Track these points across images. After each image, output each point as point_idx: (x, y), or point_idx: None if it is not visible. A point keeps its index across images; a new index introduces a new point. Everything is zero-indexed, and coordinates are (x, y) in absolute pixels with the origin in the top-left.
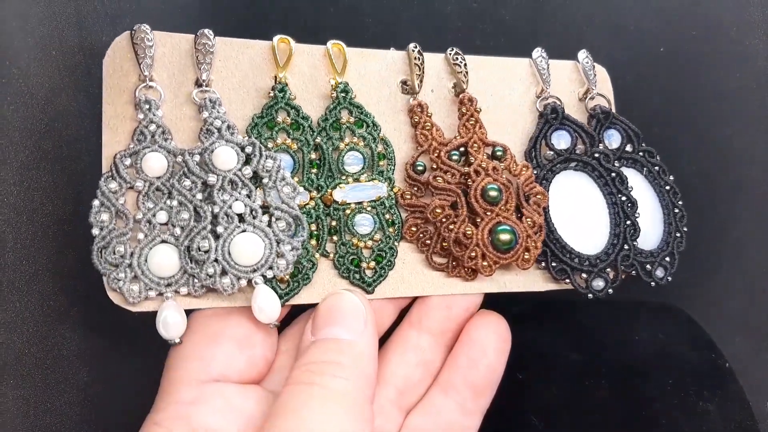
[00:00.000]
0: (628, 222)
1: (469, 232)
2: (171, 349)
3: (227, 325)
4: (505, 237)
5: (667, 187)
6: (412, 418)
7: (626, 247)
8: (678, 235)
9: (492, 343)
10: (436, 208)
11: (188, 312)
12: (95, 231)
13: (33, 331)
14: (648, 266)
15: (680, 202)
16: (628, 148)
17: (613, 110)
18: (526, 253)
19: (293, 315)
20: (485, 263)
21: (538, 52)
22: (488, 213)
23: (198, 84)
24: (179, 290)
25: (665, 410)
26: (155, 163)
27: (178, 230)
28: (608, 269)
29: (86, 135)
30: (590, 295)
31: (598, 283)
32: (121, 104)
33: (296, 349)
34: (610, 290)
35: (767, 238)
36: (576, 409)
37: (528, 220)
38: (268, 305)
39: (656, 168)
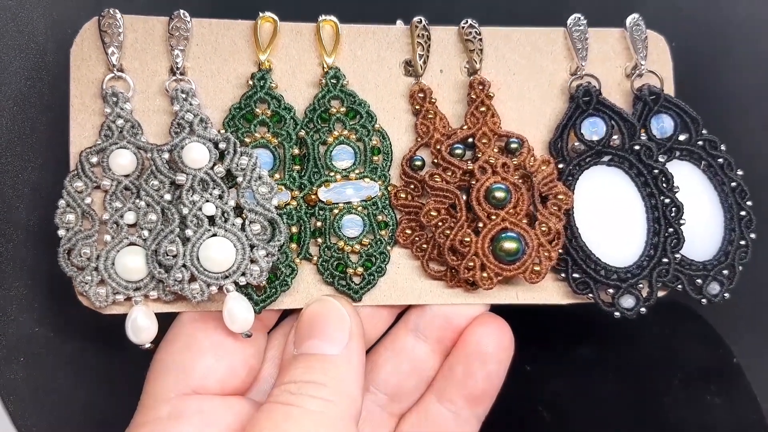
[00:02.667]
0: (671, 230)
1: (467, 240)
2: (151, 361)
3: (205, 333)
4: (509, 246)
5: (733, 184)
6: (405, 424)
7: (665, 260)
8: (742, 243)
9: (492, 352)
10: (431, 210)
11: (161, 315)
12: (61, 232)
13: (43, 310)
14: (698, 280)
15: (749, 203)
16: (683, 137)
17: (671, 89)
18: (535, 266)
19: (284, 315)
20: (485, 275)
21: (574, 20)
22: (492, 217)
23: (172, 72)
24: (149, 294)
25: (673, 404)
26: (123, 161)
27: (145, 233)
28: (641, 285)
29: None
30: (617, 314)
31: (628, 301)
32: (89, 97)
33: (281, 357)
34: (643, 310)
35: None
36: (584, 401)
37: (542, 226)
38: (239, 315)
39: (719, 161)
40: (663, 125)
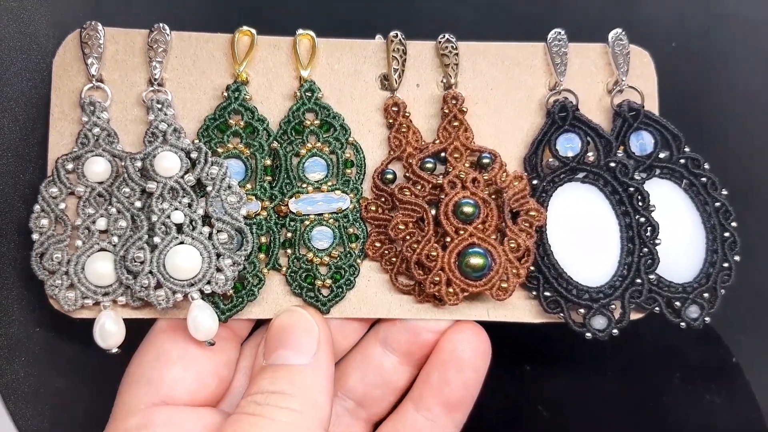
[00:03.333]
0: (645, 250)
1: (433, 254)
2: (124, 373)
3: (175, 343)
4: (475, 261)
5: (717, 204)
6: (382, 430)
7: (638, 281)
8: (725, 265)
9: (467, 358)
10: (399, 224)
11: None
12: (35, 236)
13: (43, 310)
14: (677, 303)
15: (733, 224)
16: (663, 154)
17: (655, 105)
18: (502, 282)
19: (258, 325)
20: (450, 290)
21: (554, 35)
22: (460, 232)
23: (150, 83)
24: (117, 300)
25: (672, 403)
26: (98, 168)
27: (115, 239)
28: (613, 305)
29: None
30: (588, 335)
31: (599, 322)
32: (68, 106)
33: (252, 368)
34: (615, 332)
35: None
36: (584, 401)
37: (511, 242)
38: (203, 323)
39: (702, 180)
40: (643, 142)
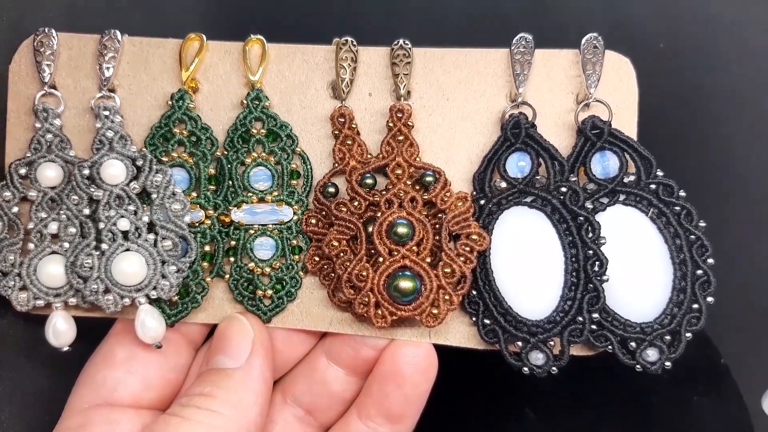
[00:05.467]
0: (590, 285)
1: (363, 274)
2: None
3: (122, 346)
4: (404, 285)
5: (692, 238)
6: None
7: (580, 318)
8: (695, 306)
9: (407, 375)
10: (332, 241)
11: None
12: None
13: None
14: (632, 344)
15: (709, 261)
16: (629, 179)
17: (634, 119)
18: (433, 308)
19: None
20: (379, 312)
21: (518, 40)
22: (393, 254)
23: (100, 89)
24: (68, 301)
25: (661, 404)
26: (50, 173)
27: (66, 244)
28: (552, 342)
29: None
30: (525, 369)
31: (536, 357)
32: (24, 112)
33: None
34: (554, 369)
35: (763, 237)
36: (571, 401)
37: (446, 267)
38: (150, 326)
39: (676, 209)
40: (607, 164)
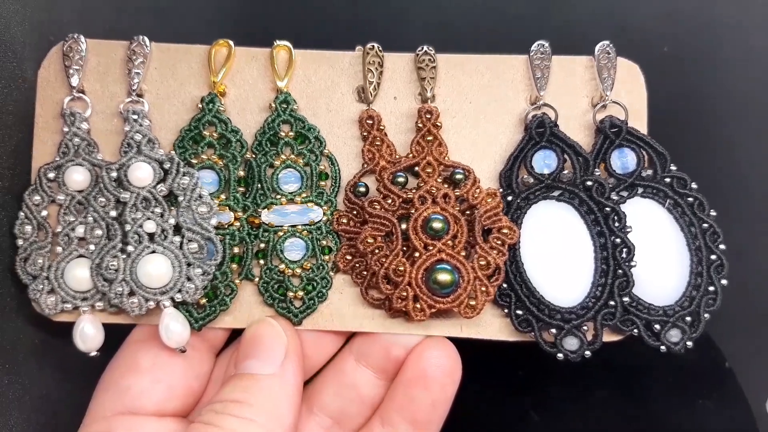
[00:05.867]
0: (620, 271)
1: (401, 269)
2: (99, 380)
3: (147, 354)
4: (443, 278)
5: (704, 226)
6: None
7: (612, 302)
8: (711, 289)
9: (435, 377)
10: (368, 237)
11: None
12: (19, 242)
13: (28, 317)
14: (656, 326)
15: (721, 247)
16: (647, 173)
17: (644, 120)
18: (470, 300)
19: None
20: (417, 306)
21: (536, 47)
22: (429, 248)
23: (129, 94)
24: (95, 305)
25: (665, 407)
26: (77, 177)
27: (92, 246)
28: (585, 327)
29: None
30: (560, 356)
31: (571, 343)
32: (52, 117)
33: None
34: (587, 353)
35: (767, 238)
36: (575, 405)
37: (481, 260)
38: (174, 330)
39: (689, 200)
40: (625, 160)
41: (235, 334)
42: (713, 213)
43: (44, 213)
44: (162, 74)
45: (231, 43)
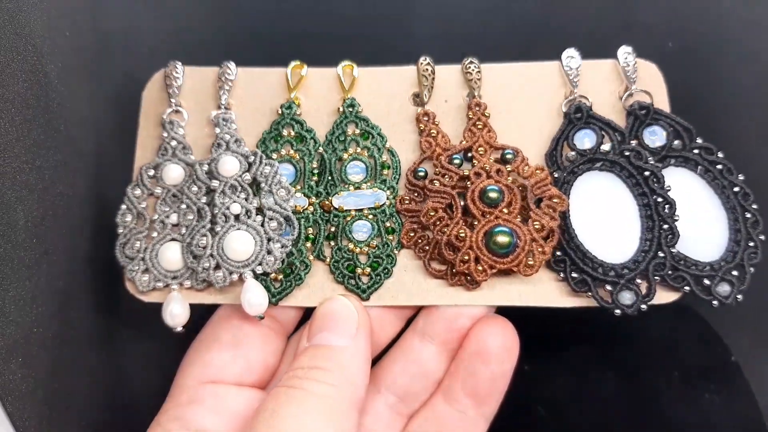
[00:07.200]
0: (665, 226)
1: (462, 234)
2: (184, 356)
3: (228, 330)
4: (502, 239)
5: (735, 189)
6: (413, 423)
7: (661, 254)
8: (751, 244)
9: (494, 352)
10: (430, 210)
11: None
12: (120, 230)
13: (42, 311)
14: (706, 281)
15: (754, 206)
16: (676, 144)
17: (667, 107)
18: (529, 258)
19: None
20: (479, 267)
21: (567, 53)
22: (486, 215)
23: (218, 107)
24: (183, 283)
25: (671, 402)
26: (173, 173)
27: (184, 229)
28: (639, 281)
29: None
30: (617, 311)
31: (626, 297)
32: (153, 127)
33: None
34: (643, 306)
35: None
36: (582, 400)
37: (535, 223)
38: (255, 298)
39: (718, 167)
40: (656, 136)
41: (303, 320)
42: (741, 177)
43: (143, 204)
44: (246, 91)
45: (304, 65)
